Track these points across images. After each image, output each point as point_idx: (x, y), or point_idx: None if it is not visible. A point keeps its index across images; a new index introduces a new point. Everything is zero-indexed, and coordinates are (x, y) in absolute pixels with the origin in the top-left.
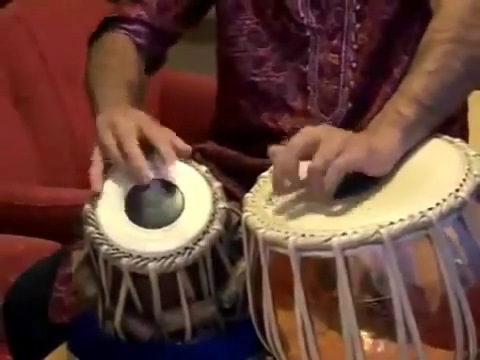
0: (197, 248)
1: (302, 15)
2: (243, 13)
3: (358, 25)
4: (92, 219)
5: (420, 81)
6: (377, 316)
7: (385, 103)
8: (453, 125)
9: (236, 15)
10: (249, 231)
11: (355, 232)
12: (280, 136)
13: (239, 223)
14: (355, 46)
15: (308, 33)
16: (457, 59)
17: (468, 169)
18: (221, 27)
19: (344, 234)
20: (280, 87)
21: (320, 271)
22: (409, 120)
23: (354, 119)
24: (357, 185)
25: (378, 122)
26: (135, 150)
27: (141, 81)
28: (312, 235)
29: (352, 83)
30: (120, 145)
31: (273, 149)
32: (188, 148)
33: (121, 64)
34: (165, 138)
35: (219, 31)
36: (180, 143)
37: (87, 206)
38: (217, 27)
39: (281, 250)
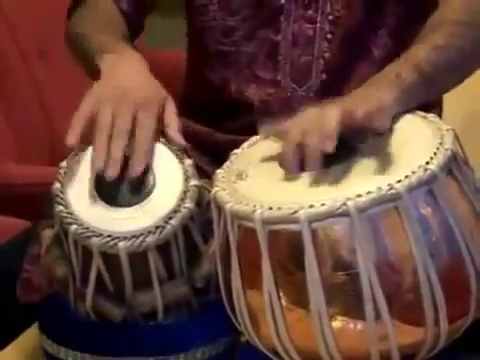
0: (168, 227)
1: None
2: None
3: None
4: (61, 198)
5: (425, 52)
6: (347, 292)
7: (362, 83)
8: (430, 111)
9: None
10: (218, 206)
11: (322, 204)
12: (248, 109)
13: None
14: (330, 17)
15: (282, 1)
16: (465, 41)
17: (440, 143)
18: None
19: (311, 206)
20: (249, 56)
21: (293, 253)
22: (407, 84)
23: (328, 90)
24: (329, 158)
25: (377, 81)
26: (119, 149)
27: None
28: (279, 208)
29: (327, 55)
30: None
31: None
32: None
33: (109, 20)
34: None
35: (188, 1)
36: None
37: (57, 185)
38: None
39: (248, 224)
